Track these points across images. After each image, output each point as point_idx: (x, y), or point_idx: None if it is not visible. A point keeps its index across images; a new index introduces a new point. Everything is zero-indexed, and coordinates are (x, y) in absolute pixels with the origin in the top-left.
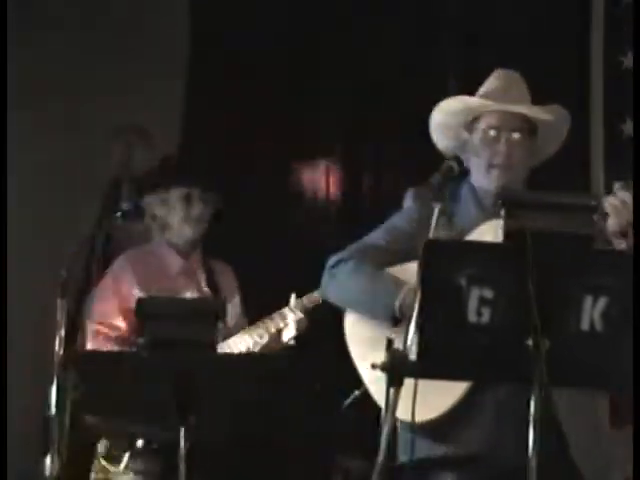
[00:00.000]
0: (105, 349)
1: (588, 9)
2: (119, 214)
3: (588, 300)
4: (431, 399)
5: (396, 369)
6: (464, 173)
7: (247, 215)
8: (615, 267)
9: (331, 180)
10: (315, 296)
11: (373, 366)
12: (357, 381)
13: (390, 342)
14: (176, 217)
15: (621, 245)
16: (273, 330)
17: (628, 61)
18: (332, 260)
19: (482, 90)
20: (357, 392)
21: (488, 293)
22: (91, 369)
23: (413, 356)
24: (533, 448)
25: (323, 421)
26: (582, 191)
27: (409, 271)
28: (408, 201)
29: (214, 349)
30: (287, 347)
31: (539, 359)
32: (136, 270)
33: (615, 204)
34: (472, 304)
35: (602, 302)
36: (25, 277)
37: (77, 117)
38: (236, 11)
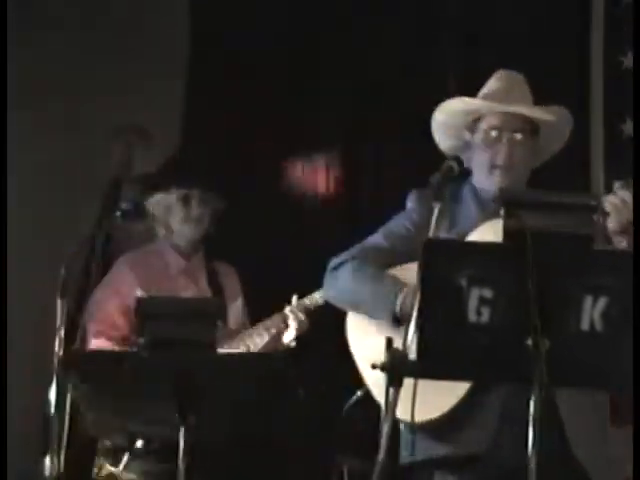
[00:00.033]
0: (105, 349)
1: (588, 9)
2: (119, 214)
3: (588, 300)
4: (433, 399)
5: (396, 369)
6: (466, 174)
7: (247, 215)
8: (615, 267)
9: (331, 180)
10: (316, 297)
11: (373, 366)
12: (359, 382)
13: (390, 342)
14: (176, 218)
15: (621, 244)
16: (274, 331)
17: (628, 61)
18: (334, 262)
19: (484, 91)
20: (360, 393)
21: (488, 293)
22: (91, 369)
23: (413, 356)
24: (533, 448)
25: (323, 421)
26: (582, 191)
27: (410, 271)
28: (410, 203)
29: (214, 349)
30: (288, 348)
31: (539, 359)
32: (137, 270)
33: (615, 203)
34: (472, 304)
35: (602, 302)
36: (25, 277)
37: (77, 117)
38: (236, 11)
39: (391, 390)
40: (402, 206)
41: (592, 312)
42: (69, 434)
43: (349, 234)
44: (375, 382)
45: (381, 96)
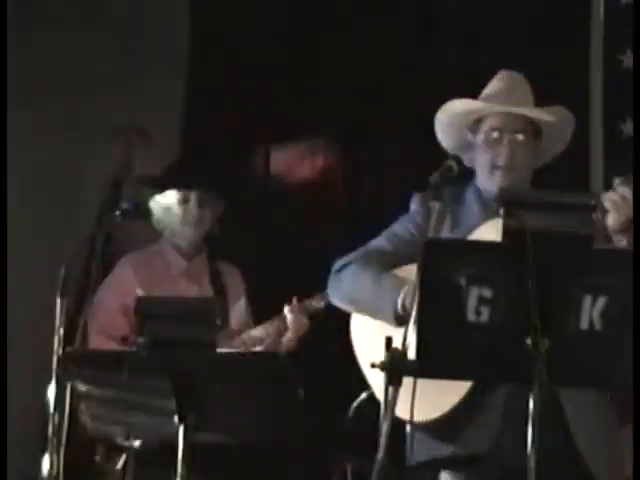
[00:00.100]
0: (105, 348)
1: (588, 8)
2: (118, 213)
3: (587, 299)
4: (435, 398)
5: (395, 368)
6: (469, 174)
7: (247, 216)
8: (614, 266)
9: (331, 180)
10: (317, 299)
11: (372, 365)
12: (362, 383)
13: (389, 341)
14: (175, 219)
15: (621, 242)
16: (273, 332)
17: (628, 60)
18: (337, 264)
19: (485, 92)
20: (364, 395)
21: (487, 292)
22: (90, 368)
23: (412, 355)
24: (532, 447)
25: (324, 421)
26: (582, 191)
27: (410, 273)
28: (414, 205)
29: (214, 349)
30: (287, 349)
31: (538, 358)
32: (138, 270)
33: (615, 200)
34: (471, 303)
35: (601, 301)
36: (25, 277)
37: (77, 117)
38: (236, 11)
39: (390, 389)
40: (402, 206)
41: (591, 311)
42: (68, 433)
43: (349, 234)
44: (377, 383)
45: (381, 96)
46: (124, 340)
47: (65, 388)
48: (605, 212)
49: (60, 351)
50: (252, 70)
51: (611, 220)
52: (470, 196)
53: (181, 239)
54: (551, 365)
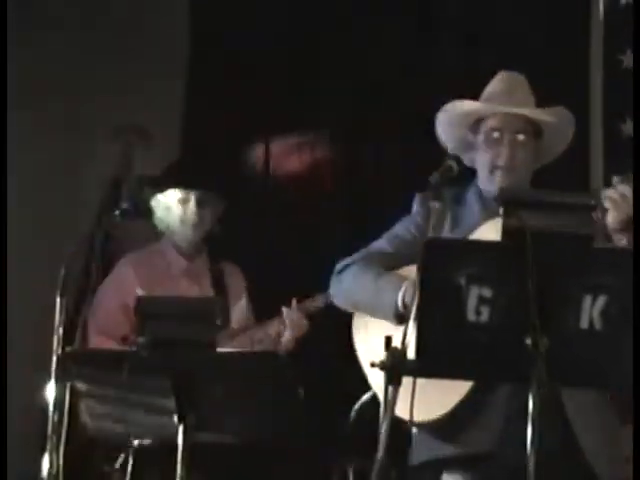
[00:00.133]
0: (104, 348)
1: (587, 8)
2: (118, 213)
3: (587, 299)
4: (436, 398)
5: (395, 368)
6: (471, 175)
7: (247, 216)
8: (614, 265)
9: (331, 180)
10: (317, 299)
11: (372, 365)
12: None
13: (389, 340)
14: (175, 219)
15: (622, 242)
16: (273, 333)
17: (627, 60)
18: (339, 266)
19: (486, 92)
20: (367, 396)
21: (487, 292)
22: (90, 368)
23: (412, 354)
24: (532, 447)
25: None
26: (582, 191)
27: (412, 272)
28: (415, 206)
29: (214, 348)
30: (287, 349)
31: (538, 358)
32: (139, 270)
33: (614, 198)
34: (471, 303)
35: (601, 301)
36: (25, 277)
37: (77, 117)
38: (236, 11)
39: (390, 389)
40: (402, 206)
41: (591, 311)
42: (68, 432)
43: (349, 234)
44: (379, 384)
45: (381, 96)
46: (124, 340)
47: (65, 387)
48: (604, 210)
49: (60, 350)
50: (252, 70)
51: (611, 218)
52: (471, 196)
53: (181, 239)
54: (551, 365)
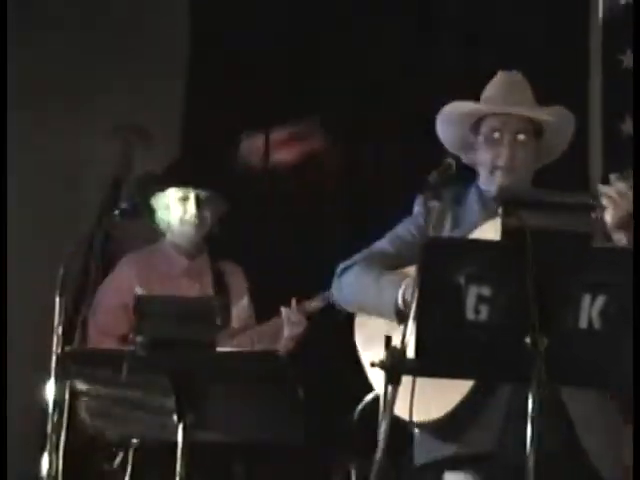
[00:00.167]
0: (103, 347)
1: (587, 8)
2: (117, 213)
3: (586, 298)
4: (436, 398)
5: (394, 367)
6: (472, 175)
7: (247, 216)
8: (613, 265)
9: (331, 180)
10: (316, 300)
11: (372, 364)
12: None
13: (388, 339)
14: (175, 218)
15: (622, 240)
16: (272, 333)
17: (627, 60)
18: (341, 266)
19: (485, 93)
20: (370, 397)
21: (486, 291)
22: (89, 367)
23: (411, 354)
24: (531, 446)
25: (324, 421)
26: (581, 190)
27: (413, 272)
28: (417, 207)
29: (213, 348)
30: (287, 350)
31: (537, 357)
32: (139, 269)
33: (611, 195)
34: (470, 302)
35: (600, 300)
36: (25, 277)
37: (77, 117)
38: (236, 11)
39: (389, 388)
40: (402, 206)
41: (590, 310)
42: (67, 431)
43: (349, 234)
44: (380, 384)
45: (381, 96)
46: (124, 339)
47: (64, 387)
48: (603, 208)
49: (59, 350)
50: (252, 70)
51: (609, 216)
52: (471, 197)
53: (181, 238)
54: (550, 364)
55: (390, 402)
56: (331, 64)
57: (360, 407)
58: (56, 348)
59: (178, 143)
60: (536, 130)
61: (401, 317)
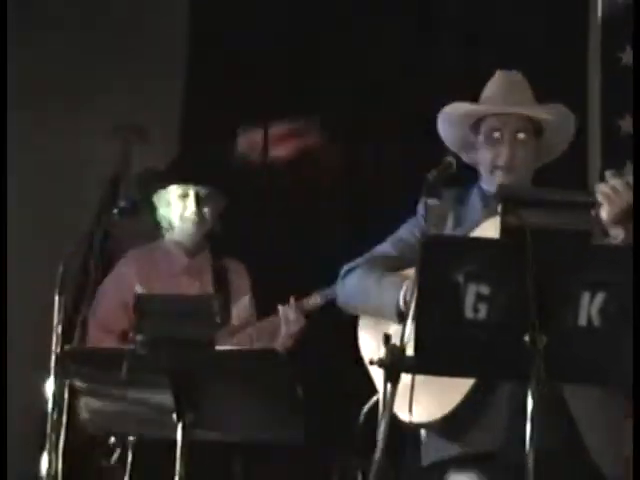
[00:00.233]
0: (103, 346)
1: (586, 6)
2: (116, 211)
3: (586, 296)
4: (437, 398)
5: (393, 365)
6: (474, 176)
7: (247, 215)
8: (613, 262)
9: (331, 180)
10: (315, 297)
11: (371, 362)
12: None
13: (387, 338)
14: (175, 214)
15: (619, 236)
16: (270, 331)
17: (626, 57)
18: (344, 270)
19: (484, 93)
20: (375, 398)
21: (485, 289)
22: (89, 366)
23: (410, 352)
24: (530, 445)
25: (324, 420)
26: (580, 188)
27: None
28: (420, 209)
29: (212, 346)
30: (285, 348)
31: (536, 355)
32: (139, 267)
33: (606, 192)
34: (469, 300)
35: (600, 298)
36: (25, 277)
37: (77, 117)
38: (236, 11)
39: (388, 386)
40: (402, 206)
41: (590, 308)
42: (67, 430)
43: (349, 234)
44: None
45: (381, 96)
46: (124, 335)
47: (64, 386)
48: (599, 205)
49: (58, 349)
50: (252, 70)
51: (604, 213)
52: (474, 197)
53: (182, 235)
54: (549, 362)
55: (389, 401)
56: (331, 64)
57: (365, 409)
58: (55, 347)
59: (178, 143)
60: (536, 129)
61: (402, 318)
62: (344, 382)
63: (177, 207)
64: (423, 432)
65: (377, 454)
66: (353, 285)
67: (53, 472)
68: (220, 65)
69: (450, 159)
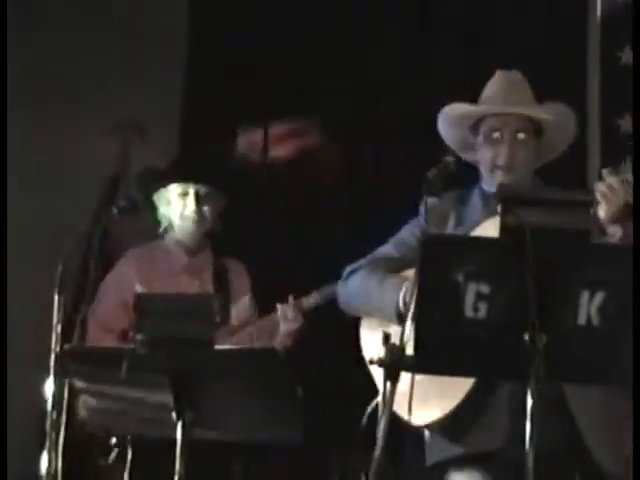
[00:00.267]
0: (102, 346)
1: (586, 4)
2: (115, 210)
3: (585, 295)
4: (438, 398)
5: (393, 364)
6: (475, 176)
7: (246, 215)
8: (612, 262)
9: (331, 180)
10: (313, 296)
11: (370, 361)
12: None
13: (387, 337)
14: (175, 213)
15: (617, 234)
16: (269, 330)
17: (626, 57)
18: (346, 271)
19: (484, 93)
20: (377, 400)
21: (485, 288)
22: (88, 365)
23: (410, 351)
24: (530, 444)
25: (323, 420)
26: (579, 187)
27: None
28: (422, 210)
29: (212, 345)
30: (284, 347)
31: (536, 354)
32: (139, 266)
33: (603, 190)
34: (469, 299)
35: (599, 297)
36: (25, 277)
37: (77, 117)
38: (236, 11)
39: (388, 385)
40: (402, 206)
41: (589, 307)
42: (66, 429)
43: (349, 234)
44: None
45: (381, 96)
46: (124, 334)
47: (63, 385)
48: (596, 204)
49: (58, 348)
50: (252, 70)
51: (602, 211)
52: (474, 197)
53: (182, 234)
54: (549, 361)
55: (389, 400)
56: (331, 64)
57: (369, 410)
58: (55, 346)
59: (177, 143)
60: (536, 129)
61: (402, 319)
62: (344, 382)
63: (177, 206)
64: (427, 432)
65: (377, 452)
66: (355, 286)
67: (53, 471)
68: (220, 65)
69: (449, 158)
